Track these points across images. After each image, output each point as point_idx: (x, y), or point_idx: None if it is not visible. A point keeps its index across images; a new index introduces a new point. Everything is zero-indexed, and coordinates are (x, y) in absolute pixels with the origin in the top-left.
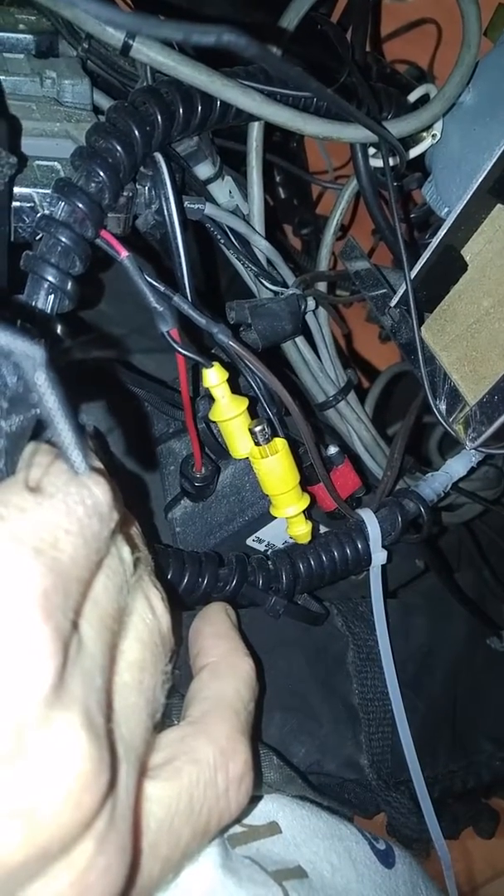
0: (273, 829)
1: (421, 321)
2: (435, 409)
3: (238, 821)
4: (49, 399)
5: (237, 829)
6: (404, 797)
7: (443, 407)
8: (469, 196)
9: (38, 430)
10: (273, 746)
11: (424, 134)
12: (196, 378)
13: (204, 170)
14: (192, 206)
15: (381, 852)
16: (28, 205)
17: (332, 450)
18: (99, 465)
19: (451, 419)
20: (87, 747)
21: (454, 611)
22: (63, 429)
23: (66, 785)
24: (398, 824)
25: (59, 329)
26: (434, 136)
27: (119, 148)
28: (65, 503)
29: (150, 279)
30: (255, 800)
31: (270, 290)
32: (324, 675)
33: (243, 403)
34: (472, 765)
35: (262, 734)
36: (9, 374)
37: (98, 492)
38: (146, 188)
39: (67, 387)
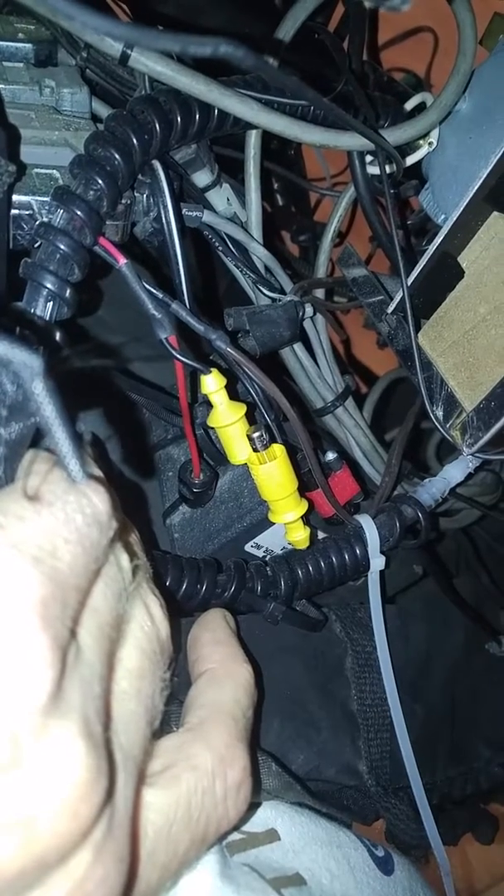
0: (271, 836)
1: (418, 328)
2: (432, 415)
3: (236, 828)
4: (47, 408)
5: (235, 836)
6: (403, 803)
7: (440, 413)
8: (465, 203)
9: (37, 437)
10: (272, 753)
11: (421, 142)
12: (194, 384)
13: (202, 177)
14: (190, 213)
15: (379, 859)
16: (27, 212)
17: (331, 455)
18: (98, 473)
19: (448, 425)
20: (85, 756)
21: (452, 616)
22: (61, 438)
23: (64, 794)
24: (397, 831)
25: (57, 336)
26: (430, 143)
27: (117, 156)
28: (64, 512)
29: (148, 286)
30: (253, 807)
31: (268, 296)
32: (322, 681)
33: (241, 409)
34: (470, 771)
35: (261, 741)
36: (8, 383)
37: (97, 500)
38: (144, 196)
39: (65, 395)
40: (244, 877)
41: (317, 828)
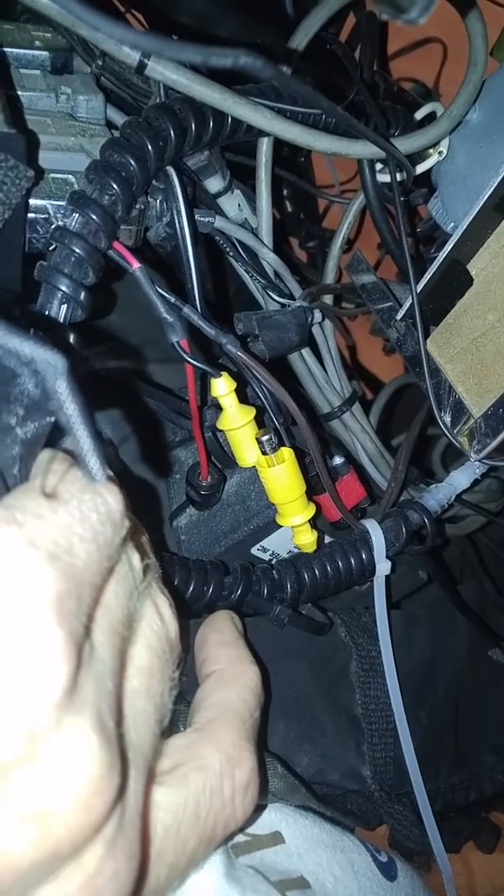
0: (276, 838)
1: (426, 334)
2: (440, 421)
3: (242, 829)
4: (69, 407)
5: (241, 838)
6: (406, 809)
7: (447, 419)
8: (475, 212)
9: (51, 438)
10: (277, 755)
11: (431, 150)
12: (204, 387)
13: (214, 183)
14: (202, 218)
15: (383, 864)
16: (42, 216)
17: (338, 460)
18: (111, 473)
19: (455, 431)
20: (99, 751)
21: (457, 622)
22: (82, 436)
23: (78, 788)
24: (400, 836)
25: (71, 338)
26: (441, 152)
27: (132, 162)
28: (79, 510)
29: (160, 290)
30: (259, 809)
31: (278, 302)
32: (327, 684)
33: (251, 413)
34: (473, 778)
35: (267, 743)
36: (28, 382)
37: (111, 500)
38: (158, 201)
39: (83, 395)
40: (249, 879)
41: (321, 831)
